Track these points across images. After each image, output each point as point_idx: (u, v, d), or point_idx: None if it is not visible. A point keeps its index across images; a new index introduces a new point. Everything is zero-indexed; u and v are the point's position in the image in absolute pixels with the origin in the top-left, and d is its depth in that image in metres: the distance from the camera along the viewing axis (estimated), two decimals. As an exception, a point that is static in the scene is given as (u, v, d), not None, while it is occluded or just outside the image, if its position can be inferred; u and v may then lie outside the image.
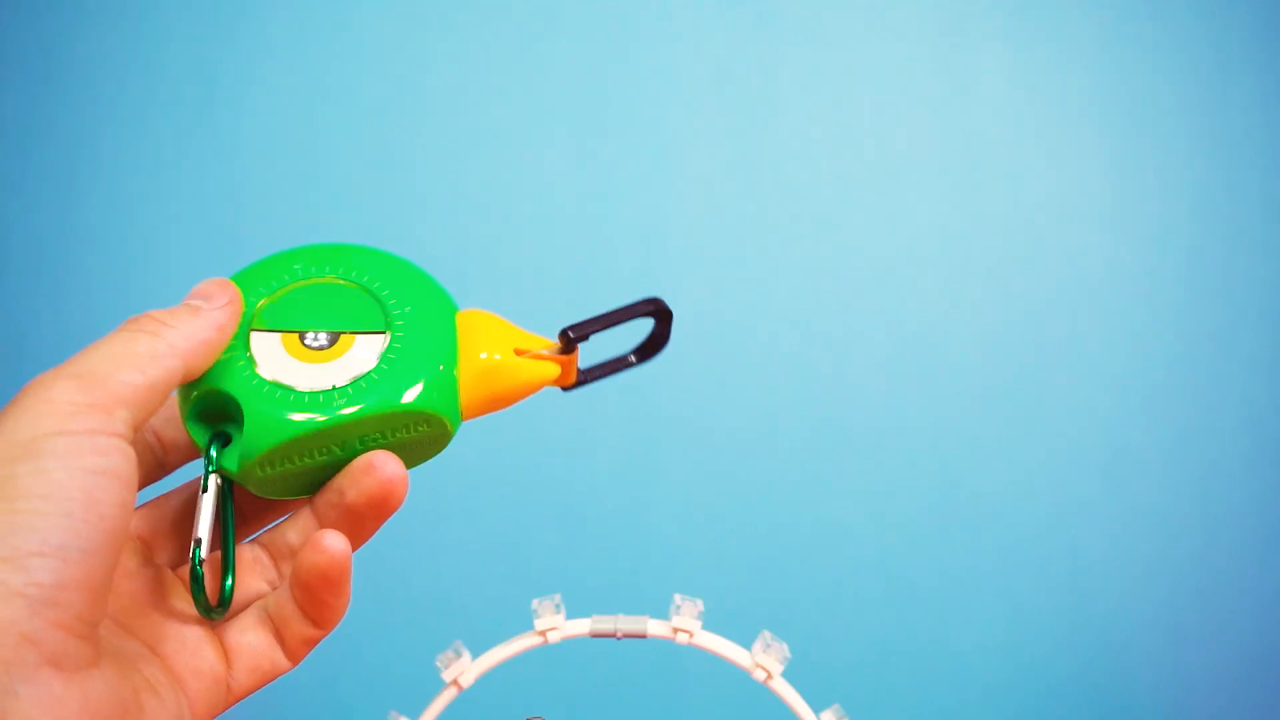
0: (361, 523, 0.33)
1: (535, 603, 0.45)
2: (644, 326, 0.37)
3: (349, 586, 0.32)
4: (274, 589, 0.34)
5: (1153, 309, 0.95)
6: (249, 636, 0.32)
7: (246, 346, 0.33)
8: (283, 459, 0.32)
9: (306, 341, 0.33)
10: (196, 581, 0.31)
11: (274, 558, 0.34)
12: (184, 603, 0.32)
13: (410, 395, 0.32)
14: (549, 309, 0.89)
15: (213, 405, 0.33)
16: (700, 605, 0.45)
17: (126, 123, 0.94)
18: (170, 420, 0.34)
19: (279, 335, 0.33)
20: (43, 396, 0.27)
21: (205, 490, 0.32)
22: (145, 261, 0.94)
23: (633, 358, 0.37)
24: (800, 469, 0.93)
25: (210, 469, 0.32)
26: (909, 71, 0.96)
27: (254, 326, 0.33)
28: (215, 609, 0.32)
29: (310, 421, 0.32)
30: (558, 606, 0.44)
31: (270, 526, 0.35)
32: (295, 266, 0.34)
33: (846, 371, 0.94)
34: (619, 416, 0.93)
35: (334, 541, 0.31)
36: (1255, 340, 0.95)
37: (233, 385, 0.32)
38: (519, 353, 0.34)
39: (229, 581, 0.32)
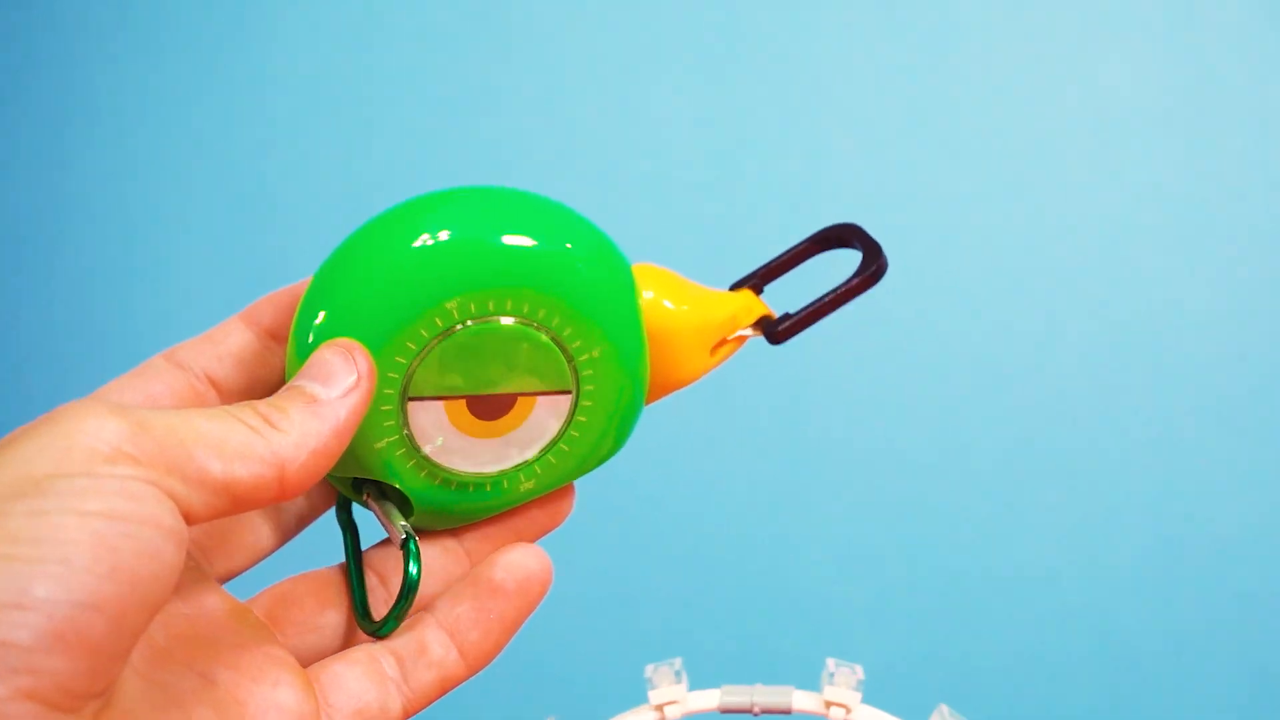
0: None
1: (650, 669, 0.42)
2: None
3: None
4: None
5: None
6: (353, 673, 0.30)
7: (404, 421, 0.30)
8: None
9: (474, 411, 0.30)
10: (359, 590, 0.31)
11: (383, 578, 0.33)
12: (256, 631, 0.30)
13: (598, 458, 0.32)
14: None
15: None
16: (860, 672, 0.42)
17: (126, 119, 1.00)
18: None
19: (441, 404, 0.30)
20: (80, 430, 0.24)
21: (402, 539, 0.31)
22: (145, 261, 0.97)
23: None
24: (989, 500, 0.91)
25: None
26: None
27: (411, 395, 0.30)
28: (380, 624, 0.31)
29: (490, 505, 0.32)
30: (678, 674, 0.42)
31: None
32: (448, 306, 0.29)
33: (1048, 376, 0.91)
34: (755, 433, 0.92)
35: (542, 553, 0.31)
36: None
37: (402, 482, 0.31)
38: (715, 349, 0.33)
39: (413, 569, 0.30)
